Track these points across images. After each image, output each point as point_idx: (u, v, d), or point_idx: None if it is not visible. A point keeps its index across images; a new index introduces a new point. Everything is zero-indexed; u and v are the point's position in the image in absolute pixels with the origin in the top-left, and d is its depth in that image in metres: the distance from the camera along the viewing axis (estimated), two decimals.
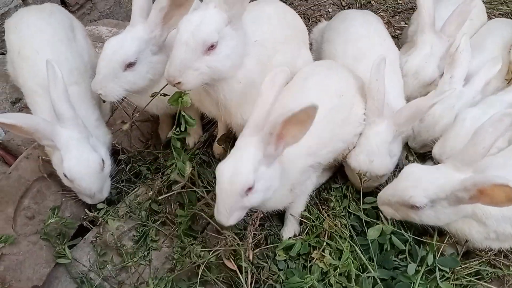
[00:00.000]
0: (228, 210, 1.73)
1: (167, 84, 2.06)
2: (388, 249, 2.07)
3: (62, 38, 2.34)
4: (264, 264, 2.05)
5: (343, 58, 2.49)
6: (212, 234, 2.15)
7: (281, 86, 1.83)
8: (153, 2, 2.10)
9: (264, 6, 2.29)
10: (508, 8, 3.59)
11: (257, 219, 2.11)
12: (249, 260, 1.96)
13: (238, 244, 1.97)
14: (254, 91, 2.09)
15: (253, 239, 2.07)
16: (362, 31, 2.51)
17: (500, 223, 1.88)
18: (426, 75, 2.49)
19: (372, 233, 2.10)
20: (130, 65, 2.04)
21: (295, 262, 2.12)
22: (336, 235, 2.10)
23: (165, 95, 2.02)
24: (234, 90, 1.98)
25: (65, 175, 2.05)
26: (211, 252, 2.01)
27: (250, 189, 1.71)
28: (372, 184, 2.24)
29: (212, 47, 1.78)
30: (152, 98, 2.09)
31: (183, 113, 2.08)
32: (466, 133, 2.04)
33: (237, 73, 1.94)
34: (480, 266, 2.02)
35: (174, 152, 2.15)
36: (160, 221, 2.26)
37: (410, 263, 1.98)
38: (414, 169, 1.91)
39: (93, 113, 2.34)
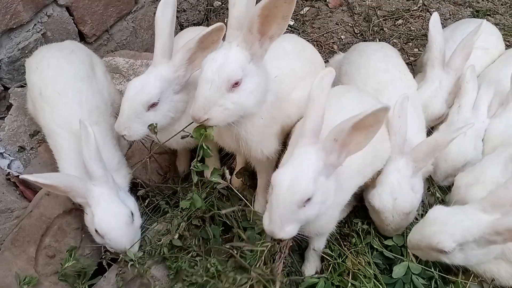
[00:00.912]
0: (282, 220, 1.66)
1: (191, 123, 2.08)
2: None
3: (83, 77, 2.37)
4: None
5: None
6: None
7: (329, 90, 1.77)
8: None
9: (283, 42, 2.31)
10: None
11: (286, 247, 2.08)
12: None
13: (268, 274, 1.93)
14: (274, 126, 2.10)
15: (282, 269, 2.04)
16: (382, 65, 2.52)
17: None
18: (435, 109, 2.55)
19: (398, 270, 2.08)
20: (153, 105, 2.06)
21: None
22: (360, 274, 2.07)
23: (191, 136, 2.03)
24: (256, 125, 1.98)
25: (96, 231, 2.07)
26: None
27: (308, 200, 1.66)
28: (401, 224, 2.20)
29: (236, 84, 1.79)
30: (172, 136, 2.11)
31: (204, 146, 2.09)
32: None
33: (260, 109, 1.95)
34: None
35: (193, 186, 2.16)
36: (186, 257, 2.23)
37: None
38: (439, 212, 1.88)
39: (115, 155, 2.35)
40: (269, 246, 2.01)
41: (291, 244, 2.01)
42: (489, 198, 1.80)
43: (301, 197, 1.64)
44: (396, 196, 2.10)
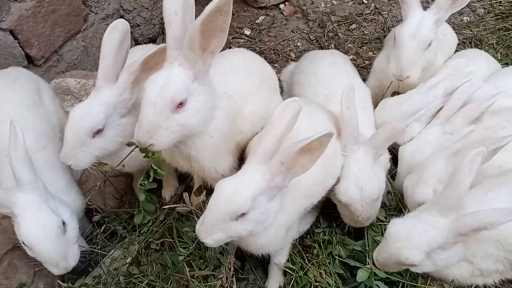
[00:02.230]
0: (212, 226, 1.70)
1: (134, 148, 2.03)
2: None
3: (29, 104, 2.28)
4: None
5: (314, 98, 2.49)
6: None
7: (292, 117, 1.78)
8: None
9: (231, 57, 2.29)
10: (471, 32, 3.69)
11: (230, 264, 2.06)
12: None
13: None
14: (225, 144, 2.07)
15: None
16: (331, 71, 2.53)
17: (484, 260, 1.89)
18: (424, 34, 2.47)
19: (361, 274, 2.09)
20: (98, 131, 1.99)
21: None
22: (322, 286, 2.06)
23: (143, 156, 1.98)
24: (206, 144, 1.95)
25: (23, 243, 1.92)
26: None
27: (243, 215, 1.68)
28: (371, 212, 2.19)
29: (181, 104, 1.76)
30: (119, 162, 2.05)
31: (153, 166, 2.05)
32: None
33: (208, 127, 1.92)
34: None
35: (141, 204, 2.13)
36: (141, 285, 2.17)
37: None
38: (399, 227, 1.87)
39: (62, 178, 2.25)
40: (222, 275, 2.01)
41: (233, 260, 2.05)
42: (442, 201, 1.81)
43: (235, 210, 1.67)
44: (362, 186, 2.09)
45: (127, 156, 2.10)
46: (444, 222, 1.78)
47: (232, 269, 1.98)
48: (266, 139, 1.74)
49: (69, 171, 2.36)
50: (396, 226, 1.90)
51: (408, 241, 1.82)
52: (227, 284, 1.97)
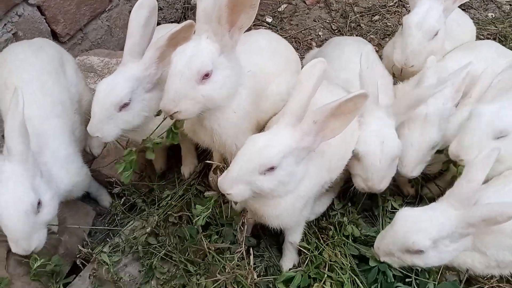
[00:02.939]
0: (237, 178, 1.71)
1: (164, 119, 2.07)
2: (391, 277, 2.04)
3: (50, 72, 2.32)
4: None
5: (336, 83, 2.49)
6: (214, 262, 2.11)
7: (319, 77, 1.77)
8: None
9: (258, 38, 2.31)
10: (496, 28, 3.65)
11: (244, 225, 2.12)
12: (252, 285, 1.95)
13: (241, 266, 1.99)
14: (247, 121, 2.09)
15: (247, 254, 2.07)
16: (355, 58, 2.52)
17: (499, 252, 1.89)
18: (430, 24, 2.43)
19: (374, 260, 2.08)
20: (124, 105, 2.03)
21: None
22: (337, 266, 2.08)
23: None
24: (228, 120, 1.98)
25: None
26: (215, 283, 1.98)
27: (271, 169, 1.70)
28: (385, 174, 2.12)
29: (206, 76, 1.79)
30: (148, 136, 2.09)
31: (173, 129, 2.11)
32: (484, 128, 2.02)
33: (232, 103, 1.95)
34: None
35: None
36: (159, 255, 2.20)
37: None
38: (408, 212, 1.87)
39: (66, 148, 2.23)
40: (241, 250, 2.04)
41: (250, 221, 2.12)
42: (456, 194, 1.82)
43: (265, 162, 1.69)
44: (383, 139, 2.06)
45: (157, 127, 2.13)
46: (455, 213, 1.79)
47: (245, 228, 2.02)
48: (296, 100, 1.75)
49: (77, 145, 2.37)
50: (405, 212, 1.90)
51: (416, 225, 1.82)
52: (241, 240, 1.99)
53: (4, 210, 1.82)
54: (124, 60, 2.09)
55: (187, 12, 4.05)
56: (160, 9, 3.90)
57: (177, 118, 1.81)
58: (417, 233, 1.81)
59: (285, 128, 1.77)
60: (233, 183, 1.73)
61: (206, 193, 2.10)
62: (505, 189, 1.95)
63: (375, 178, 2.10)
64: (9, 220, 1.82)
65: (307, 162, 1.87)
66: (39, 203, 1.90)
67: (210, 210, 2.07)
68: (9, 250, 2.02)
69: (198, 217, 2.05)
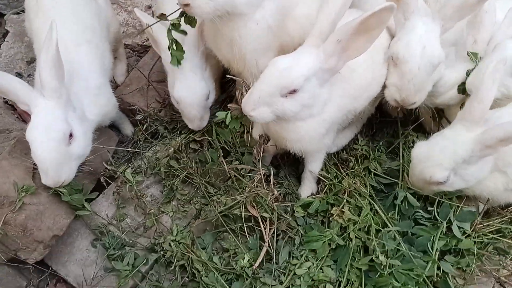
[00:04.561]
0: (260, 100, 1.71)
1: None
2: (407, 206, 2.06)
3: None
4: (284, 217, 2.04)
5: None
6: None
7: None
8: None
9: None
10: None
11: (261, 146, 2.15)
12: (272, 202, 2.00)
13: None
14: (270, 38, 2.02)
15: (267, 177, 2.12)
16: None
17: None
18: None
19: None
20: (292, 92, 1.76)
21: (313, 219, 2.12)
22: (356, 193, 2.09)
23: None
24: (250, 31, 1.92)
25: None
26: (235, 201, 2.03)
27: (293, 92, 1.71)
28: (423, 85, 1.97)
29: None
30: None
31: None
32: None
33: (255, 14, 1.89)
34: (502, 224, 2.00)
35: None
36: (180, 176, 2.24)
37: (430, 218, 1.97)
38: (420, 149, 1.88)
39: (97, 78, 2.20)
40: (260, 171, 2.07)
41: (270, 150, 2.17)
42: (468, 115, 1.79)
43: (287, 84, 1.68)
44: (425, 44, 1.91)
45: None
46: (469, 136, 1.77)
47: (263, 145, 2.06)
48: (321, 20, 1.71)
49: (106, 74, 2.35)
50: (417, 149, 1.91)
51: (429, 160, 1.84)
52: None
53: (37, 139, 1.82)
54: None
55: None
56: None
57: (189, 12, 1.76)
58: (432, 168, 1.82)
59: (309, 49, 1.74)
60: (255, 105, 1.73)
61: (229, 105, 2.10)
62: None
63: (411, 87, 1.95)
64: (41, 149, 1.82)
65: (331, 85, 1.85)
66: (71, 136, 1.90)
67: (232, 118, 2.07)
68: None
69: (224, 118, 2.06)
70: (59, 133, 1.85)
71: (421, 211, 2.00)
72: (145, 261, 2.05)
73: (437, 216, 1.98)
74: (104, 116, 2.27)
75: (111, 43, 2.56)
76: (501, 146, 1.72)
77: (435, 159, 1.82)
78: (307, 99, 1.75)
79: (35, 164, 1.97)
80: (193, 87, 2.22)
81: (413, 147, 2.28)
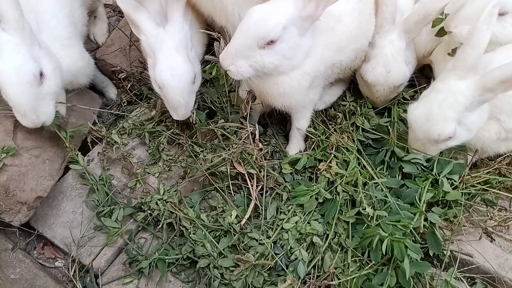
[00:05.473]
0: (237, 53, 1.66)
1: None
2: (396, 161, 2.04)
3: None
4: (271, 174, 2.02)
5: None
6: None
7: None
8: None
9: None
10: None
11: (249, 103, 2.08)
12: (260, 159, 1.97)
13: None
14: None
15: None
16: None
17: (510, 118, 1.87)
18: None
19: (384, 141, 2.12)
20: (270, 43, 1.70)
21: (301, 175, 2.10)
22: (343, 147, 2.06)
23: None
24: None
25: None
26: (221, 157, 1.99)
27: (271, 43, 1.65)
28: (391, 96, 2.19)
29: None
30: None
31: None
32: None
33: None
34: (490, 175, 1.99)
35: None
36: (165, 135, 2.21)
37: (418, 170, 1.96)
38: (418, 111, 1.84)
39: (64, 28, 2.11)
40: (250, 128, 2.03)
41: (257, 109, 2.13)
42: (461, 63, 1.75)
43: (264, 35, 1.62)
44: (390, 69, 2.05)
45: None
46: (465, 83, 1.74)
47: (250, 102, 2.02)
48: None
49: (77, 28, 2.26)
50: (415, 110, 1.87)
51: (432, 119, 1.80)
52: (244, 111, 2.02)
53: (7, 82, 1.75)
54: None
55: None
56: None
57: None
58: (438, 125, 1.78)
59: None
60: (232, 59, 1.68)
61: (207, 57, 2.04)
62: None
63: (379, 101, 2.21)
64: (13, 92, 1.77)
65: (312, 34, 1.78)
66: (41, 74, 1.83)
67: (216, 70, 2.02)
68: (15, 123, 2.03)
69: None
70: (29, 75, 1.78)
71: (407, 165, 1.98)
72: (132, 220, 2.04)
73: (424, 169, 1.97)
74: (78, 71, 2.19)
75: None
76: (501, 88, 1.69)
77: (438, 115, 1.78)
78: (287, 50, 1.69)
79: (15, 125, 1.93)
80: (178, 69, 1.95)
81: (403, 103, 2.28)
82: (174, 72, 1.94)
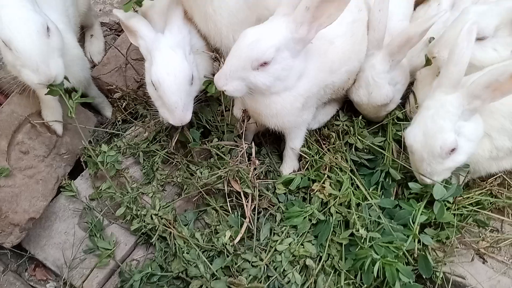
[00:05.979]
0: (231, 74, 1.69)
1: None
2: (390, 182, 2.06)
3: None
4: (265, 194, 2.02)
5: None
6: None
7: None
8: None
9: None
10: None
11: (244, 121, 2.12)
12: (254, 178, 1.98)
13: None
14: (246, 12, 1.99)
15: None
16: None
17: (500, 136, 1.88)
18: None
19: (378, 161, 2.15)
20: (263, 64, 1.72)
21: (295, 196, 2.11)
22: (337, 167, 2.08)
23: None
24: (223, 4, 1.89)
25: (4, 42, 1.77)
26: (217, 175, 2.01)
27: (265, 64, 1.67)
28: (380, 113, 2.24)
29: None
30: None
31: None
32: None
33: None
34: (481, 196, 2.00)
35: None
36: (160, 155, 2.22)
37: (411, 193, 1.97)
38: (414, 132, 1.84)
39: (60, 17, 2.08)
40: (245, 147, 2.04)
41: (251, 128, 2.15)
42: (445, 81, 1.78)
43: (257, 57, 1.65)
44: (371, 91, 2.11)
45: None
46: (452, 95, 1.76)
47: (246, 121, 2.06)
48: None
49: (71, 23, 2.25)
50: (411, 133, 1.86)
51: (429, 135, 1.80)
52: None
53: (17, 35, 1.72)
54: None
55: None
56: None
57: None
58: (437, 138, 1.77)
59: (279, 19, 1.70)
60: (227, 80, 1.71)
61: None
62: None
63: (371, 118, 2.31)
64: (23, 44, 1.73)
65: (305, 57, 1.81)
66: (48, 29, 1.82)
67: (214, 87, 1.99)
68: (10, 144, 2.03)
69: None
70: (38, 24, 1.77)
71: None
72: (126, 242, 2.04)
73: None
74: (75, 58, 2.16)
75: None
76: (487, 94, 1.71)
77: (434, 128, 1.78)
78: (280, 71, 1.71)
79: (8, 147, 1.93)
80: (173, 66, 1.91)
81: (396, 123, 2.30)
82: (169, 70, 1.90)
